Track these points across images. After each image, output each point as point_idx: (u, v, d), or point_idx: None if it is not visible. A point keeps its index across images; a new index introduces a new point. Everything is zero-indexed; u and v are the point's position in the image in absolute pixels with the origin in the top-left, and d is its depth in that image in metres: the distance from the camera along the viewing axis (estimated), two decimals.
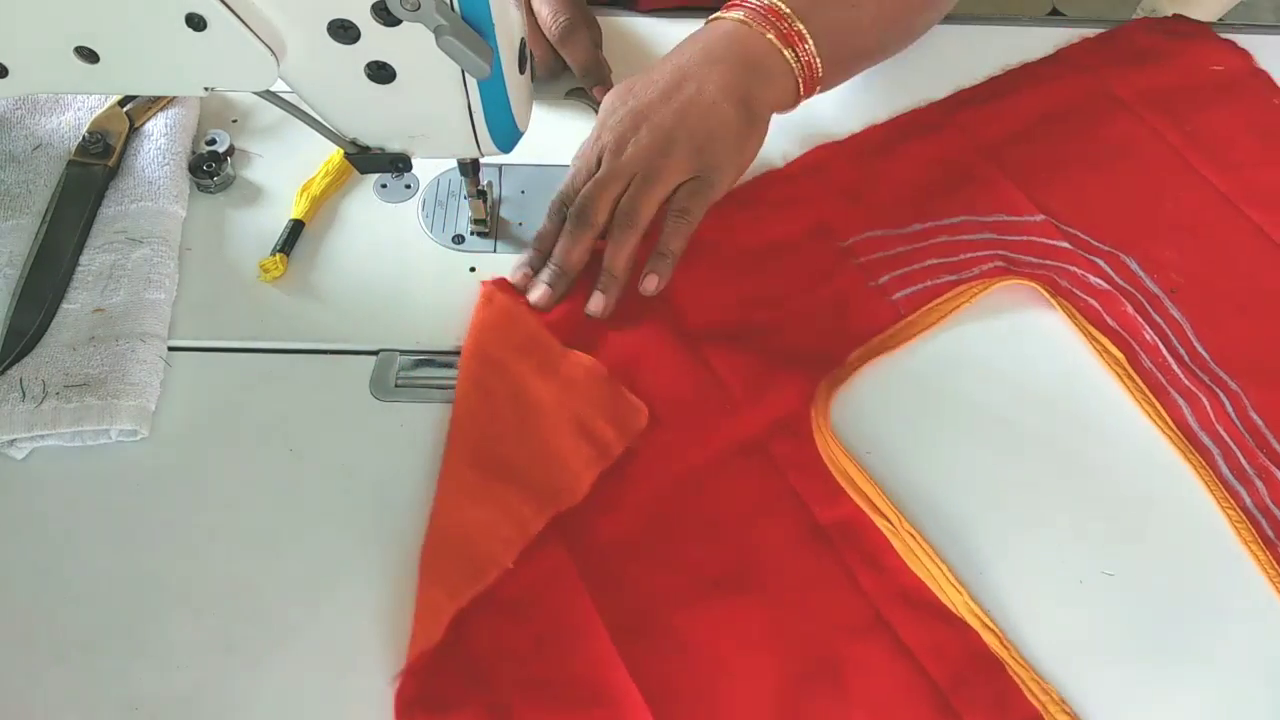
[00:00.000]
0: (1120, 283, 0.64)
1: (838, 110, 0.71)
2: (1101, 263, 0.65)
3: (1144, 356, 0.61)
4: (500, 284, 0.61)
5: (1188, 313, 0.63)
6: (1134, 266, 0.65)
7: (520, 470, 0.54)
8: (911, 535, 0.53)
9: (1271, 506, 0.56)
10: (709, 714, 0.49)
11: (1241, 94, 0.75)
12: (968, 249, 0.65)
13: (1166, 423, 0.59)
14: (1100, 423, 0.60)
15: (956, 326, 0.63)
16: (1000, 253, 0.65)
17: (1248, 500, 0.57)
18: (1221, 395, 0.60)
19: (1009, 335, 0.63)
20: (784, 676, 0.50)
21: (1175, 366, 0.61)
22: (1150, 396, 0.60)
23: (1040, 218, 0.67)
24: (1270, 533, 0.56)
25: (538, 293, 0.60)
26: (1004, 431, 0.59)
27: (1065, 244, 0.65)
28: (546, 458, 0.55)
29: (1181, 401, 0.60)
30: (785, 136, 0.69)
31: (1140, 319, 0.62)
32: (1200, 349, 0.62)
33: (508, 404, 0.56)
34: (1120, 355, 0.61)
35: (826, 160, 0.69)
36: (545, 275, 0.60)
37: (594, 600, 0.51)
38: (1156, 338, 0.62)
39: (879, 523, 0.54)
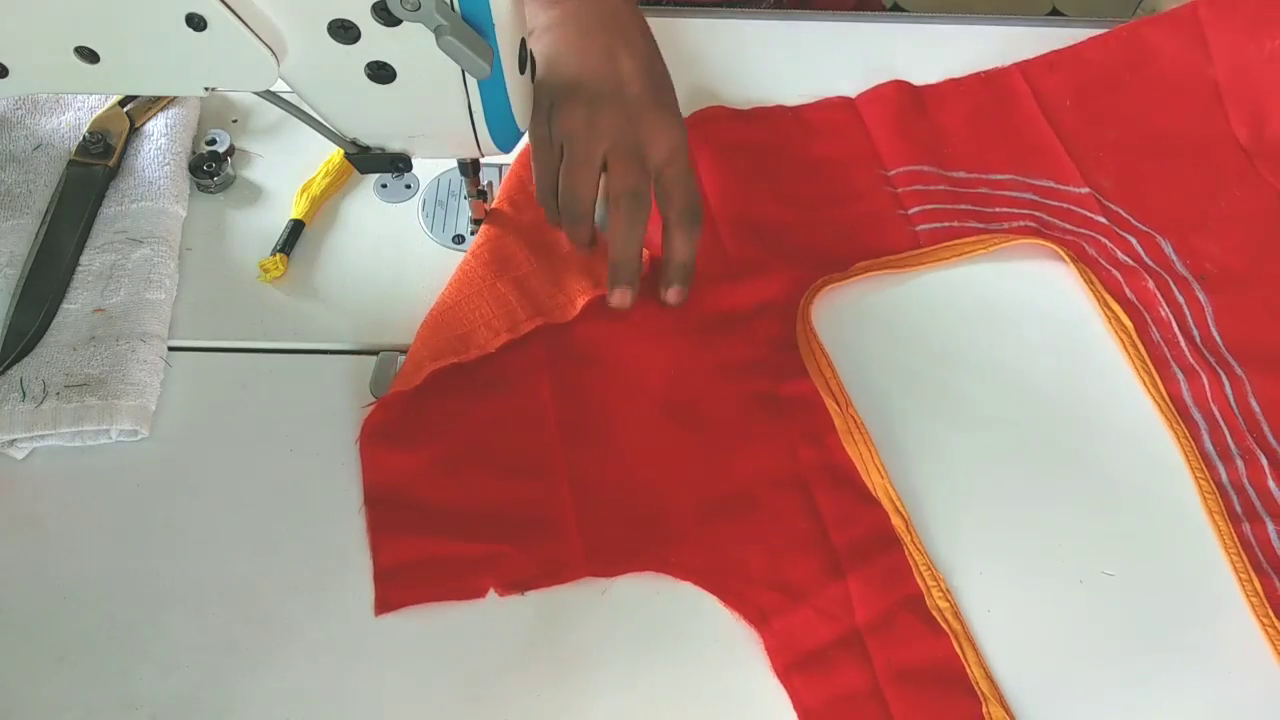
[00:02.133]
0: (1148, 261, 0.64)
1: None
2: (1134, 241, 0.65)
3: (1154, 329, 0.62)
4: None
5: (1213, 298, 0.63)
6: (1168, 250, 0.65)
7: (526, 281, 0.60)
8: (854, 419, 0.57)
9: (1247, 485, 0.57)
10: (623, 513, 0.55)
11: None
12: (1005, 204, 0.67)
13: (1160, 393, 0.59)
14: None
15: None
16: (1035, 214, 0.66)
17: (1224, 475, 0.57)
18: (1224, 377, 0.60)
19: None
20: (698, 500, 0.55)
21: (1183, 343, 0.61)
22: (1150, 366, 0.60)
23: (1085, 190, 0.67)
24: (1239, 509, 0.56)
25: (616, 298, 0.58)
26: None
27: (1103, 219, 0.66)
28: (553, 279, 0.60)
29: (1181, 376, 0.60)
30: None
31: (1160, 295, 0.63)
32: (1215, 333, 0.62)
33: (534, 228, 0.61)
34: (1129, 324, 0.61)
35: (892, 95, 0.71)
36: (613, 281, 0.58)
37: (553, 397, 0.58)
38: (1171, 314, 0.62)
39: (829, 404, 0.58)
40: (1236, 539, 0.54)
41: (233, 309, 0.61)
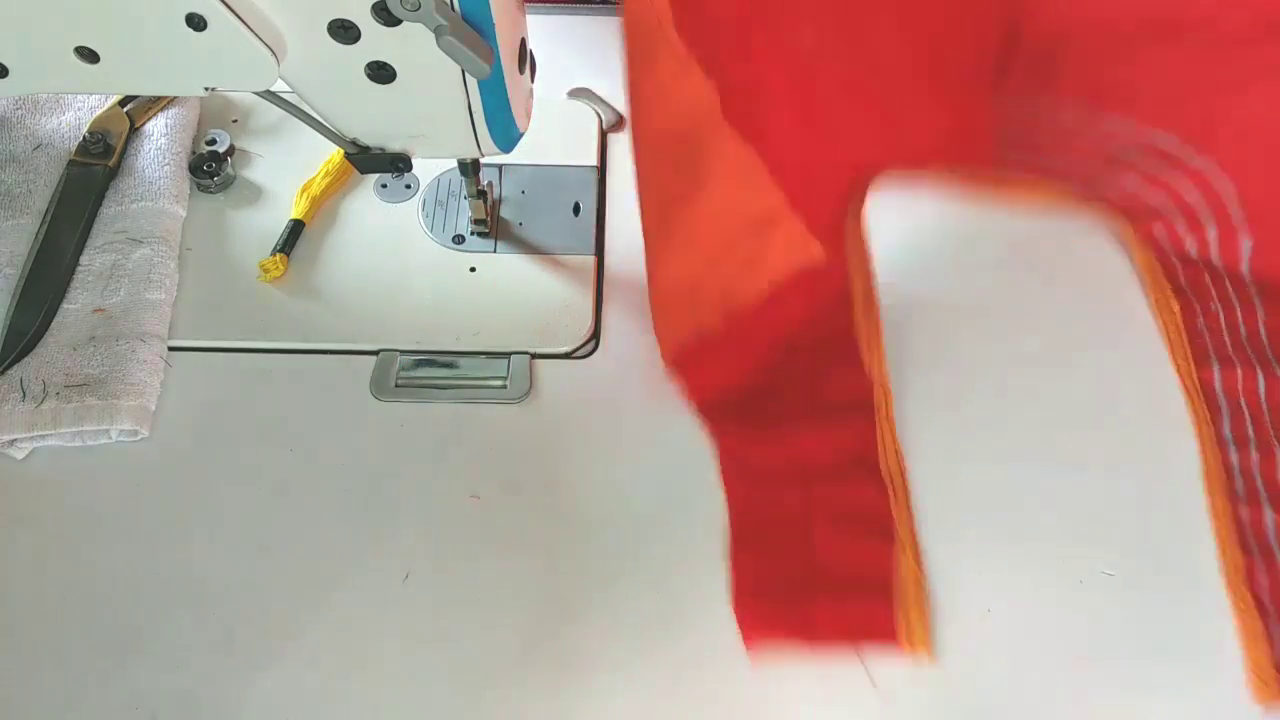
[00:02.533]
0: (1214, 259, 0.63)
1: None
2: (1212, 233, 0.63)
3: (1200, 319, 0.61)
4: None
5: (1269, 306, 0.61)
6: (1244, 251, 0.63)
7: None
8: (875, 318, 0.59)
9: (1255, 473, 0.56)
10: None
11: None
12: (1105, 157, 0.64)
13: (1191, 377, 0.59)
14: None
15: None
16: (1129, 174, 0.63)
17: (1234, 459, 0.56)
18: (1260, 373, 0.59)
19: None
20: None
21: (1227, 336, 0.60)
22: (1188, 351, 0.60)
23: (1199, 162, 0.62)
24: (1240, 491, 0.55)
25: None
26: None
27: (1198, 202, 0.63)
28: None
29: (1216, 365, 0.59)
30: None
31: (1214, 289, 0.62)
32: (1262, 333, 0.61)
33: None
34: (1177, 308, 0.61)
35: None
36: None
37: None
38: (1220, 308, 0.61)
39: (856, 289, 0.59)
40: (1233, 519, 0.54)
41: (233, 309, 0.61)
